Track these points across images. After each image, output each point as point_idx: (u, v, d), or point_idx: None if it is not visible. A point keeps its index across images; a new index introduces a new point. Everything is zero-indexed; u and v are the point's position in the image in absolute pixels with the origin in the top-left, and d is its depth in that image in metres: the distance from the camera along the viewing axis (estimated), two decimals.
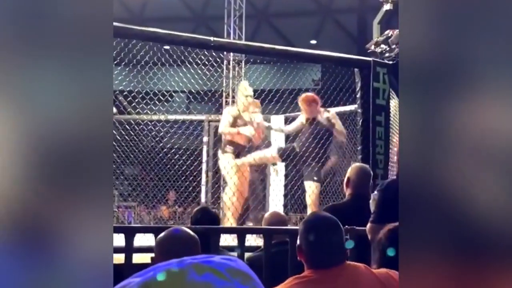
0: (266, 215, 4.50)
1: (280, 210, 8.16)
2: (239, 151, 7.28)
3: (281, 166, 8.48)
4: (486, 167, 1.63)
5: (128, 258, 3.64)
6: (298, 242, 2.51)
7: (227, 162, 7.22)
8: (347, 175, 4.61)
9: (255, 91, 7.71)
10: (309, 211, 7.03)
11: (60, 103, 1.59)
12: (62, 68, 1.60)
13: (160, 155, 8.14)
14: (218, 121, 9.91)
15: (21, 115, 1.57)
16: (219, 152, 7.45)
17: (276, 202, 8.42)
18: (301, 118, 7.50)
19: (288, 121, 9.00)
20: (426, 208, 1.65)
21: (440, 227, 1.62)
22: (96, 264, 1.50)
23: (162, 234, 2.78)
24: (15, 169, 1.54)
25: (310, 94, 7.55)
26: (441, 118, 1.67)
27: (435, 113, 1.68)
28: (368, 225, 3.79)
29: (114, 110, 8.92)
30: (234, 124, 7.31)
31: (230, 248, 4.23)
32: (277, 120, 8.95)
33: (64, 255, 1.49)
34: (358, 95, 6.62)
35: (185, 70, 7.78)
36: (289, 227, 4.13)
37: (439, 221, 1.62)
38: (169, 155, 8.25)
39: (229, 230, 5.16)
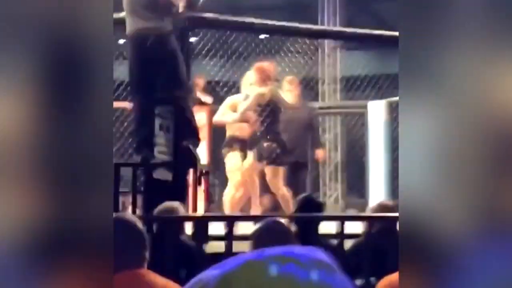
0: (374, 205, 4.33)
1: (382, 197, 8.06)
2: (244, 147, 6.44)
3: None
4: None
5: (229, 246, 3.67)
6: None
7: (234, 162, 6.37)
8: None
9: (351, 77, 7.54)
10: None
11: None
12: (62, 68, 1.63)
13: None
14: (316, 108, 9.88)
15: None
16: (224, 151, 6.54)
17: (378, 190, 8.30)
18: None
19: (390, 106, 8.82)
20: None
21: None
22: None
23: (257, 226, 2.85)
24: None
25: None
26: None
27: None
28: None
29: (211, 100, 9.01)
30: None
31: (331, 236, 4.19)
32: (376, 106, 8.78)
33: None
34: None
35: (280, 59, 7.78)
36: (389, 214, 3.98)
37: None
38: None
39: (329, 218, 5.13)
